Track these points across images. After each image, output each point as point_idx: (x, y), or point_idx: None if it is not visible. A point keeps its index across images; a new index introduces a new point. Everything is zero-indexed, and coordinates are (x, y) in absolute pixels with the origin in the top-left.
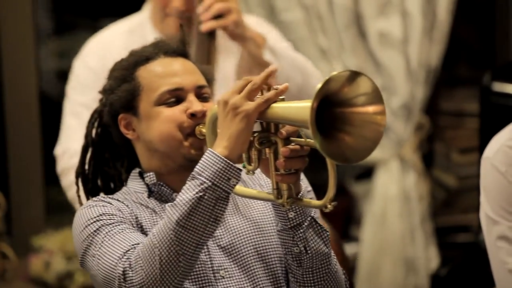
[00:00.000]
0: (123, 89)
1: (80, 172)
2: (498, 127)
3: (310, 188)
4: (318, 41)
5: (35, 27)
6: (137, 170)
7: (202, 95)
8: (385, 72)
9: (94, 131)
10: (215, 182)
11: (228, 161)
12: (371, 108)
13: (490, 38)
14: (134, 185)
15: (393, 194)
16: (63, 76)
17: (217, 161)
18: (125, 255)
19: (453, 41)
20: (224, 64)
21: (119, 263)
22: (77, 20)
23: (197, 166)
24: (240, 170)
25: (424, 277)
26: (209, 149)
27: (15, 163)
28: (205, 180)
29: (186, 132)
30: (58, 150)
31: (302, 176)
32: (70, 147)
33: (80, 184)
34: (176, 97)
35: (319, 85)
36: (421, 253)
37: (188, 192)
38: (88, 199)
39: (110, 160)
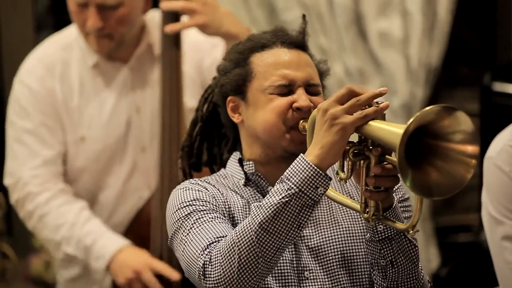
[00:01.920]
0: (235, 73)
1: (187, 145)
2: (499, 127)
3: (407, 195)
4: (319, 41)
5: (36, 24)
6: (238, 155)
7: (312, 90)
8: (385, 72)
9: (205, 106)
10: (302, 189)
11: (318, 169)
12: (469, 148)
13: (490, 38)
14: (233, 169)
15: None
16: None
17: (306, 168)
18: (207, 248)
19: (453, 41)
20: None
21: (201, 255)
22: None
23: (287, 170)
24: (330, 179)
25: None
26: (301, 155)
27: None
28: (292, 185)
29: (290, 125)
30: (9, 180)
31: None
32: (21, 176)
33: (184, 156)
34: (285, 89)
35: (414, 116)
36: (421, 253)
37: (274, 196)
38: (189, 172)
39: (216, 138)
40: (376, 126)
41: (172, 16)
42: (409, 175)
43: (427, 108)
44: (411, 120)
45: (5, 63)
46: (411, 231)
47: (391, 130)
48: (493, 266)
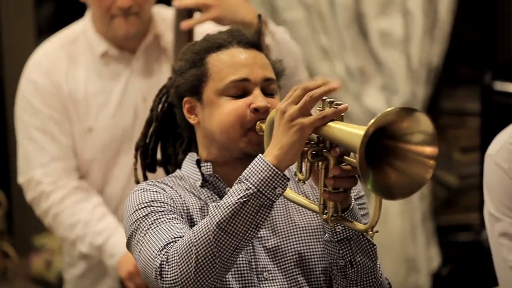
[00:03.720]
0: (191, 73)
1: (141, 146)
2: (499, 126)
3: (363, 192)
4: (320, 40)
5: (36, 26)
6: (195, 156)
7: (268, 90)
8: (386, 71)
9: (160, 106)
10: (261, 189)
11: (276, 170)
12: (427, 149)
13: (491, 38)
14: (189, 170)
15: None
16: None
17: (265, 168)
18: (164, 248)
19: (454, 41)
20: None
21: (158, 255)
22: (78, 18)
23: (245, 170)
24: (288, 179)
25: (425, 276)
26: (260, 155)
27: (17, 160)
28: (251, 186)
29: (247, 127)
30: (22, 179)
31: None
32: (33, 175)
33: (138, 157)
34: (242, 89)
35: (375, 118)
36: (422, 252)
37: (233, 196)
38: (144, 173)
39: (171, 138)
40: (336, 128)
41: (186, 13)
42: (370, 177)
43: (387, 109)
44: (371, 122)
45: (6, 67)
46: (370, 232)
47: (351, 131)
48: (494, 265)
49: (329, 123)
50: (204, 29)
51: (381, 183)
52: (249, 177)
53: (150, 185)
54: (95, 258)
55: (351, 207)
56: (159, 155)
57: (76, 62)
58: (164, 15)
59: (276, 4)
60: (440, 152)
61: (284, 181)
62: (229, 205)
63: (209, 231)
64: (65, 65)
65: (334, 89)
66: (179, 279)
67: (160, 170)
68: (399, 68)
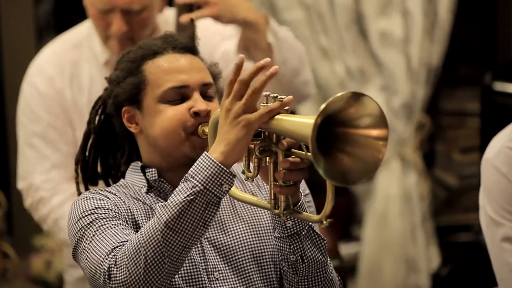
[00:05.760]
0: (128, 82)
1: (81, 159)
2: (499, 126)
3: (307, 191)
4: (319, 40)
5: (36, 25)
6: (139, 163)
7: (207, 94)
8: (386, 71)
9: (97, 118)
10: (207, 187)
11: (222, 166)
12: (374, 132)
13: (491, 38)
14: (134, 179)
15: (394, 194)
16: None
17: (211, 165)
18: (112, 252)
19: (454, 41)
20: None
21: (106, 259)
22: (77, 18)
23: (191, 169)
24: (234, 176)
25: (425, 276)
26: (205, 152)
27: (17, 162)
28: (197, 183)
29: (189, 131)
30: (22, 184)
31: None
32: (33, 181)
33: (79, 171)
34: (181, 95)
35: (324, 104)
36: (422, 253)
37: (179, 194)
38: (86, 187)
39: (110, 149)
40: (285, 120)
41: (186, 9)
42: (322, 164)
43: (335, 96)
44: (321, 108)
45: (6, 66)
46: (325, 222)
47: (301, 121)
48: (493, 267)
49: (277, 117)
50: (205, 24)
51: (335, 170)
52: (195, 174)
53: (93, 193)
54: None
55: (300, 202)
56: (99, 168)
57: (80, 68)
58: (167, 18)
59: (276, 4)
60: (440, 152)
61: (231, 177)
62: (176, 203)
63: (157, 231)
64: (69, 71)
65: (274, 75)
66: (129, 280)
67: (102, 183)
68: (399, 68)
